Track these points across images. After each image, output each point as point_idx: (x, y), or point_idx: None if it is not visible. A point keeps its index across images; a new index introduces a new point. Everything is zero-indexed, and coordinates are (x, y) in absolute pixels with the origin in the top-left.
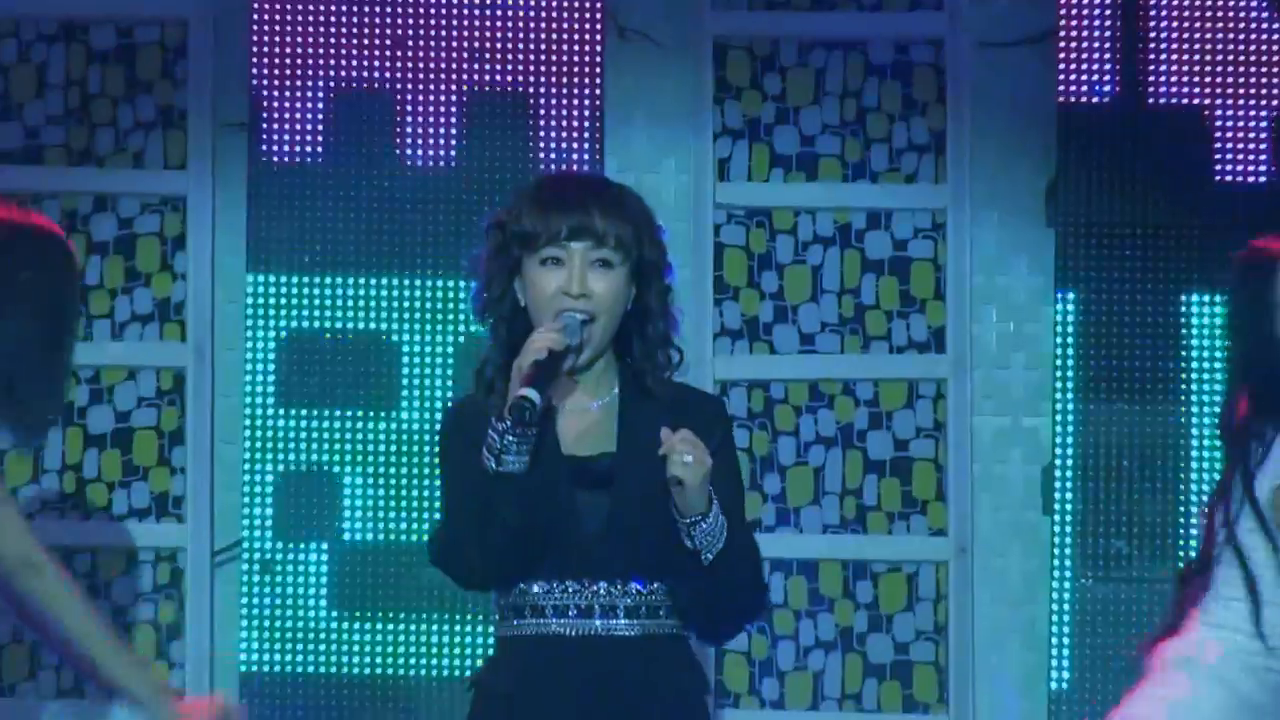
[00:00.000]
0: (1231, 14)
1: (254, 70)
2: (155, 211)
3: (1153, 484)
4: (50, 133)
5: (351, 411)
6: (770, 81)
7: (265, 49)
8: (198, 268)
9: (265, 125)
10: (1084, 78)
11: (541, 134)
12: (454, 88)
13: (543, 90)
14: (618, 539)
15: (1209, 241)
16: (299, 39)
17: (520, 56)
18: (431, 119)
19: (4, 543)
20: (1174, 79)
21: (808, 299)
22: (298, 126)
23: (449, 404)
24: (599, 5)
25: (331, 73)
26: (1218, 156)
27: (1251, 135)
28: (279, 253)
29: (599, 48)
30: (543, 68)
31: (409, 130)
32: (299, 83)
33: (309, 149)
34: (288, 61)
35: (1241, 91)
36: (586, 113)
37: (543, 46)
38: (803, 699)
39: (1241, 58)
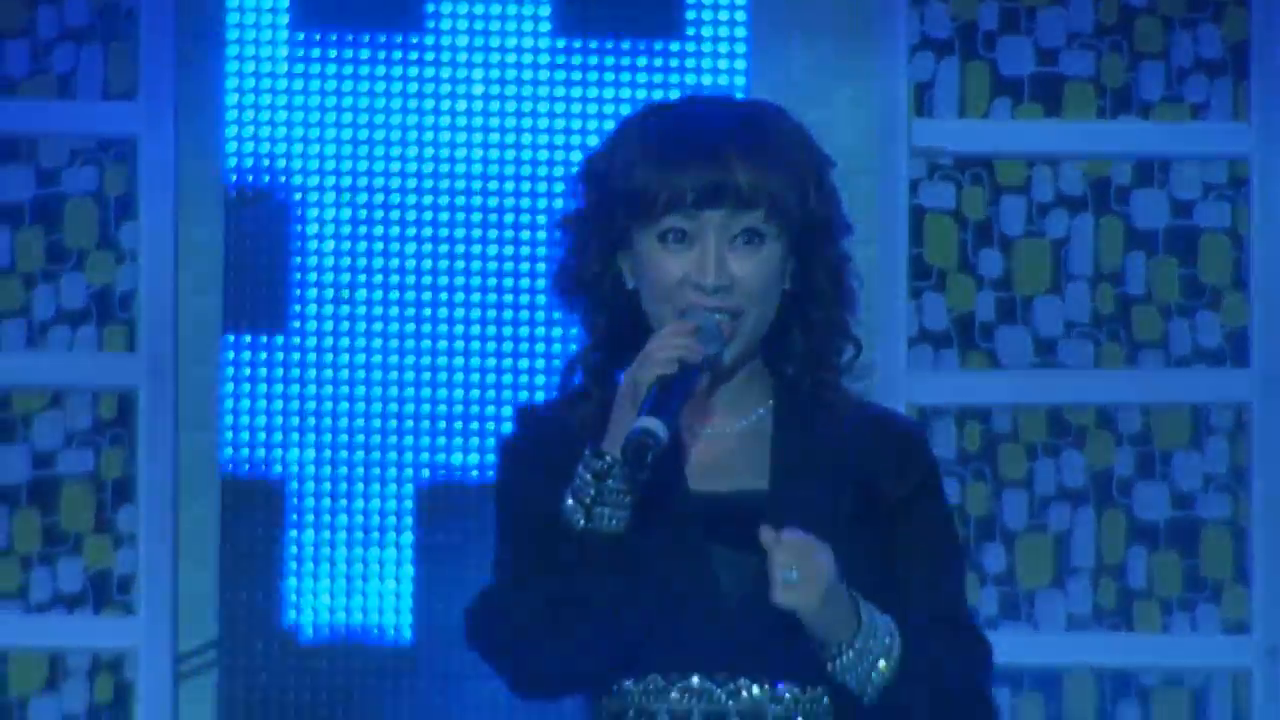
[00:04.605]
0: None
1: None
2: (91, 162)
3: None
4: None
5: (378, 451)
6: None
7: None
8: (154, 243)
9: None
10: None
11: (654, 52)
12: None
13: None
14: (769, 616)
15: None
16: None
17: None
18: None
19: None
20: None
21: (1047, 289)
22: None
23: (522, 408)
24: None
25: None
26: None
27: None
28: (275, 220)
29: None
30: None
31: None
32: None
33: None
34: None
35: None
36: (722, 18)
37: None
38: None
39: None
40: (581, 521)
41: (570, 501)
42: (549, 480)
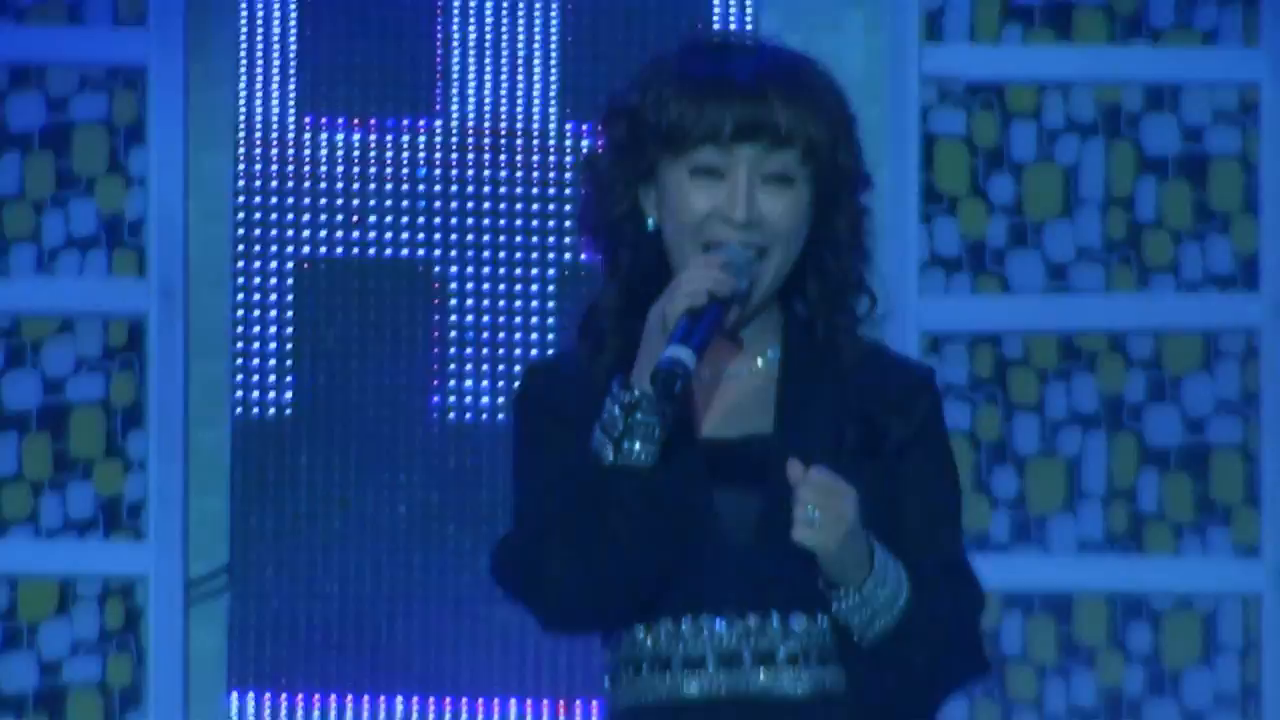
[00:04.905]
0: None
1: None
2: (101, 89)
3: None
4: None
5: (388, 378)
6: None
7: None
8: (164, 170)
9: None
10: None
11: None
12: None
13: None
14: (774, 553)
15: None
16: None
17: None
18: None
19: None
20: None
21: (1058, 214)
22: None
23: (532, 363)
24: None
25: None
26: None
27: None
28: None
29: None
30: None
31: None
32: None
33: None
34: None
35: None
36: None
37: None
38: None
39: None
40: (610, 456)
41: (599, 435)
42: (565, 427)
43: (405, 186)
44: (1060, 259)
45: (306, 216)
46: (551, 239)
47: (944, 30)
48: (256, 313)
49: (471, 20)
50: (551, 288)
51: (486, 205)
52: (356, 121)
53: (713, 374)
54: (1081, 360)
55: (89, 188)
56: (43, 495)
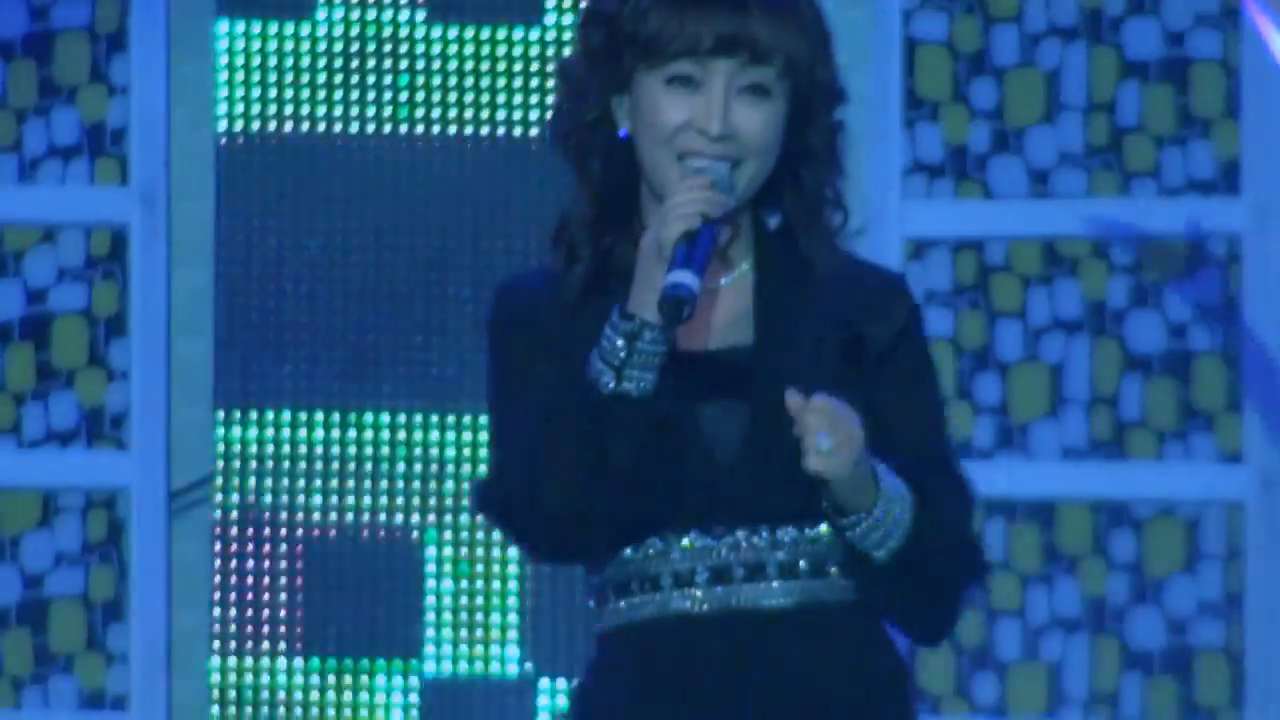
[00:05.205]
0: None
1: None
2: None
3: None
4: None
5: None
6: None
7: None
8: (146, 78)
9: None
10: None
11: None
12: None
13: None
14: (761, 465)
15: None
16: None
17: None
18: None
19: None
20: None
21: (1040, 119)
22: None
23: (503, 282)
24: None
25: None
26: None
27: None
28: (276, 49)
29: None
30: None
31: None
32: None
33: None
34: None
35: None
36: None
37: None
38: (1033, 702)
39: None
40: (611, 385)
41: (598, 364)
42: (541, 348)
43: None
44: (1042, 164)
45: (289, 124)
46: None
47: None
48: (241, 220)
49: None
50: None
51: None
52: None
53: None
54: (1064, 266)
55: (71, 96)
56: (25, 406)
